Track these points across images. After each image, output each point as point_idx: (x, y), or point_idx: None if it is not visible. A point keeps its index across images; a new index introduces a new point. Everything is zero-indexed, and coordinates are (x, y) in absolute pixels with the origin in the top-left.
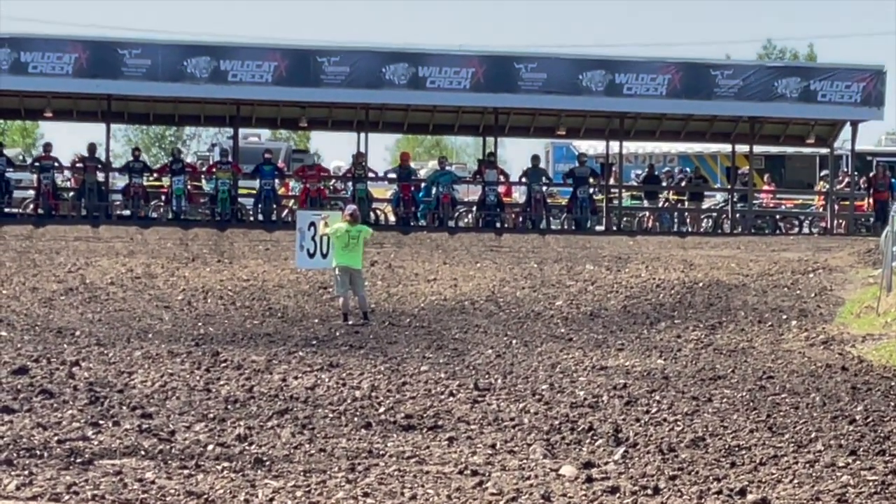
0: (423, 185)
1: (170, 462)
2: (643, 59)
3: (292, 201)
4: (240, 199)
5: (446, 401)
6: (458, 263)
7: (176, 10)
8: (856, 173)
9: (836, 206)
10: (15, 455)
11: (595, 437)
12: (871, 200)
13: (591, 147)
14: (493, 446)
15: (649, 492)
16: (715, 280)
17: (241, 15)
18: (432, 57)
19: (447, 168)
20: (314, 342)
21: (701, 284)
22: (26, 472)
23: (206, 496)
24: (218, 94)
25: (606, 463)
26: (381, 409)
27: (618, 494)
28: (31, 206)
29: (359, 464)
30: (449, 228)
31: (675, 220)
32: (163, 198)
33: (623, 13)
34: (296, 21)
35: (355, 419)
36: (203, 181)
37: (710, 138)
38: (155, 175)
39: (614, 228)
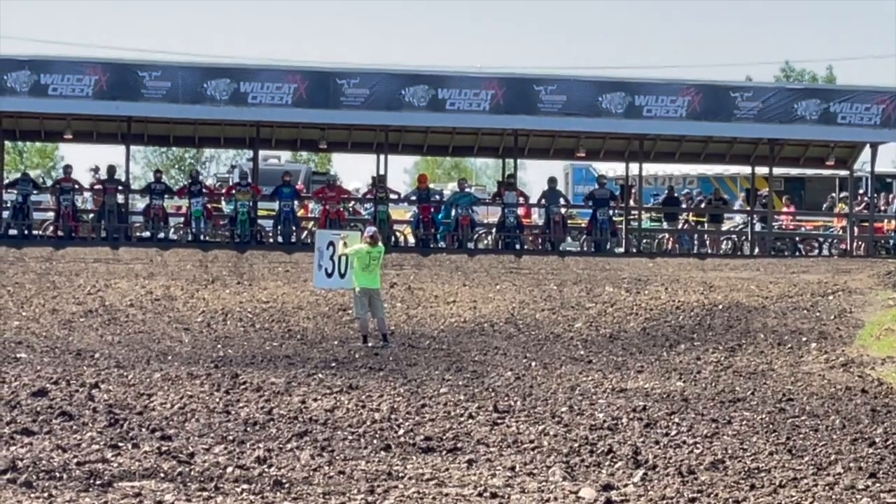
0: (442, 206)
1: (189, 484)
2: (663, 81)
3: (312, 223)
4: (259, 221)
5: (466, 423)
6: (478, 285)
7: (196, 33)
8: (875, 195)
9: (856, 229)
10: (35, 477)
11: (614, 460)
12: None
13: (611, 169)
14: (513, 468)
15: None
16: (734, 302)
17: (261, 37)
18: (452, 79)
19: (467, 190)
20: (333, 364)
21: (720, 307)
22: (46, 495)
23: None
24: (238, 115)
25: (626, 485)
26: (401, 431)
27: None
28: (51, 228)
29: (378, 486)
30: (468, 250)
31: (695, 242)
32: (182, 220)
33: (642, 36)
34: (315, 43)
35: (374, 441)
36: (223, 203)
37: (729, 160)
38: (176, 197)
39: (634, 250)
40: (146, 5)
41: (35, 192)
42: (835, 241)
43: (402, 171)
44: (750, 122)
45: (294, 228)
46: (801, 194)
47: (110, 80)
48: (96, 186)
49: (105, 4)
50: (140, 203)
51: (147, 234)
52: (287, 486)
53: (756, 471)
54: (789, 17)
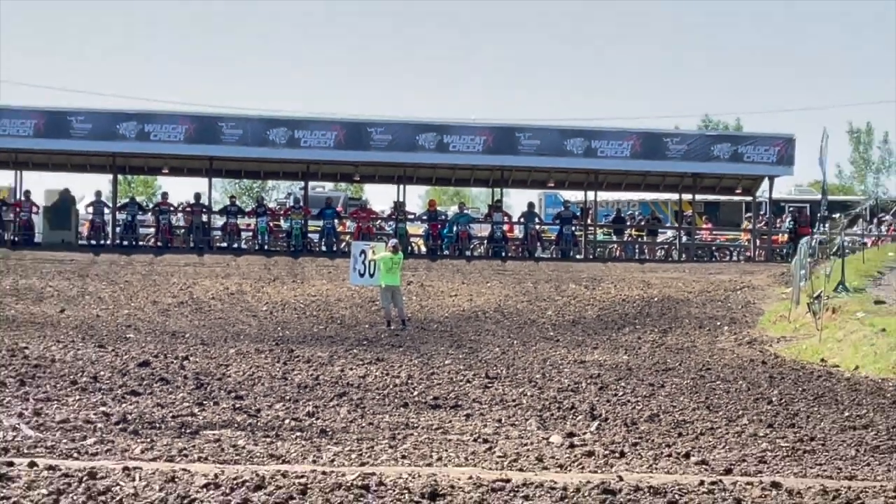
0: (446, 224)
1: (256, 432)
2: (612, 129)
3: (348, 236)
4: (309, 235)
5: (464, 386)
6: (473, 283)
7: (261, 92)
8: (772, 215)
9: (758, 240)
10: (140, 427)
11: (576, 414)
12: (793, 234)
13: (574, 196)
14: (500, 421)
15: (617, 455)
16: (666, 296)
17: (311, 95)
18: (454, 128)
19: (465, 211)
20: (365, 342)
21: (656, 299)
22: (148, 440)
23: (283, 457)
24: (292, 156)
25: (585, 433)
26: (415, 393)
27: (593, 457)
28: (153, 240)
29: (398, 433)
30: (466, 257)
31: (637, 250)
32: (251, 234)
33: (597, 95)
34: (351, 100)
35: (396, 400)
36: (281, 221)
37: (663, 189)
38: (246, 217)
39: (591, 257)
40: (225, 72)
41: (140, 213)
42: (742, 249)
43: (416, 197)
44: (678, 161)
45: (335, 240)
46: (717, 215)
47: (197, 129)
48: (187, 209)
49: (194, 71)
50: (219, 221)
51: (225, 244)
52: (330, 433)
53: (683, 422)
54: (708, 80)
